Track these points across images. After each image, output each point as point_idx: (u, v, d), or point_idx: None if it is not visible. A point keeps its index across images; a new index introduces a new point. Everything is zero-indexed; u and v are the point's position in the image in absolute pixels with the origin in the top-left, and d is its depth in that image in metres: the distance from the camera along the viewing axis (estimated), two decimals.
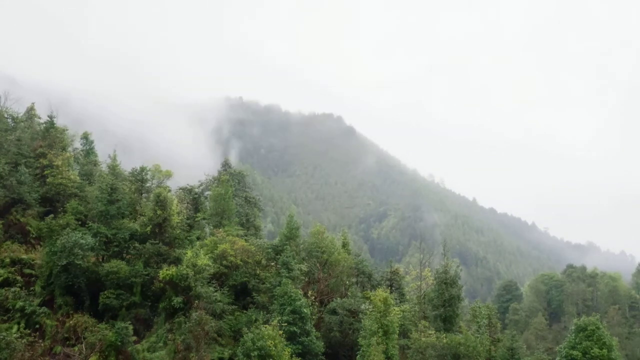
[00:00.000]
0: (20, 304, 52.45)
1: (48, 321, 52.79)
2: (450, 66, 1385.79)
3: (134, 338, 53.08)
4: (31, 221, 62.62)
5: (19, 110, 78.54)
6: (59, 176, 66.08)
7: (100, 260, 59.57)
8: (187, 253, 58.39)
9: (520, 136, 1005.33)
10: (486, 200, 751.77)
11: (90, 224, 61.12)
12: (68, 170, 68.45)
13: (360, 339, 54.48)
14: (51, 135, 70.86)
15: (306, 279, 69.37)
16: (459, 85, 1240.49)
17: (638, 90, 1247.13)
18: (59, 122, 73.79)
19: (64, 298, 54.98)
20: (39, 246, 60.74)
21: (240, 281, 63.99)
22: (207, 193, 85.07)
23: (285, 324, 53.75)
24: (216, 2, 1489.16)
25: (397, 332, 56.69)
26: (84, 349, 50.78)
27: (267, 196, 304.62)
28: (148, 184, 74.48)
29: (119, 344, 51.07)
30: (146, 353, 52.54)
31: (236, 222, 77.69)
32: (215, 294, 57.25)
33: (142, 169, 72.57)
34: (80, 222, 62.00)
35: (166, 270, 56.34)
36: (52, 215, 61.85)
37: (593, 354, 50.76)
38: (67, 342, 52.15)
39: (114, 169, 75.40)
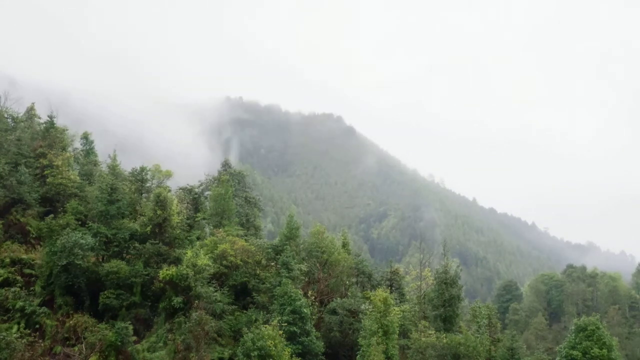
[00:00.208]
0: (20, 304, 52.44)
1: (48, 321, 52.78)
2: (450, 66, 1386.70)
3: (134, 338, 53.08)
4: (31, 221, 62.60)
5: (19, 110, 78.64)
6: (59, 176, 66.06)
7: (100, 260, 59.56)
8: (187, 253, 58.39)
9: (521, 136, 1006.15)
10: (486, 200, 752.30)
11: (90, 224, 61.11)
12: (68, 170, 68.43)
13: (360, 339, 54.49)
14: (51, 135, 70.84)
15: (306, 279, 69.37)
16: (459, 85, 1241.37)
17: (639, 89, 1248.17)
18: (59, 122, 73.82)
19: (64, 298, 54.97)
20: (39, 246, 60.72)
21: (240, 281, 64.00)
22: (207, 193, 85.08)
23: (285, 324, 53.76)
24: (216, 2, 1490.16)
25: (397, 332, 56.70)
26: (84, 349, 50.78)
27: (267, 196, 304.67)
28: (148, 184, 74.49)
29: (119, 344, 51.07)
30: (146, 353, 52.54)
31: (236, 222, 77.70)
32: (215, 294, 57.26)
33: (142, 169, 72.57)
34: (80, 222, 61.98)
35: (166, 270, 56.34)
36: (52, 215, 61.84)
37: (593, 354, 50.76)
38: (67, 342, 52.14)
39: (114, 169, 75.39)
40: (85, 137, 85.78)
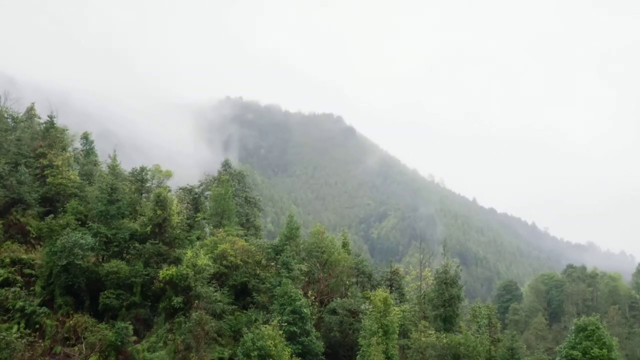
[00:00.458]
0: (20, 304, 52.42)
1: (48, 321, 52.77)
2: (450, 66, 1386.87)
3: (134, 338, 53.07)
4: (31, 221, 62.59)
5: (19, 110, 78.61)
6: (59, 176, 66.04)
7: (100, 260, 59.55)
8: (187, 253, 58.39)
9: (520, 136, 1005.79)
10: (486, 200, 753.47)
11: (90, 224, 61.09)
12: (68, 170, 68.40)
13: (360, 339, 54.50)
14: (51, 135, 70.81)
15: (306, 279, 69.39)
16: (459, 85, 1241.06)
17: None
18: (59, 122, 73.77)
19: (64, 298, 54.96)
20: (39, 246, 60.71)
21: (240, 281, 64.00)
22: (207, 193, 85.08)
23: (285, 324, 53.77)
24: (216, 3, 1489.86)
25: (397, 332, 56.71)
26: (84, 349, 50.78)
27: (267, 196, 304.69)
28: (148, 184, 74.47)
29: (119, 344, 51.06)
30: (146, 353, 52.53)
31: (236, 222, 77.71)
32: (215, 294, 57.26)
33: (142, 169, 72.55)
34: (80, 222, 61.95)
35: (166, 270, 56.34)
36: (52, 215, 61.82)
37: (593, 354, 50.78)
38: (67, 342, 52.12)
39: (114, 169, 75.38)
40: (85, 137, 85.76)
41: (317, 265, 72.57)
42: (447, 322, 65.90)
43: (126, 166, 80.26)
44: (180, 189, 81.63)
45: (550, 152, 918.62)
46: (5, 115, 74.85)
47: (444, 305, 66.63)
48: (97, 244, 57.72)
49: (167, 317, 56.21)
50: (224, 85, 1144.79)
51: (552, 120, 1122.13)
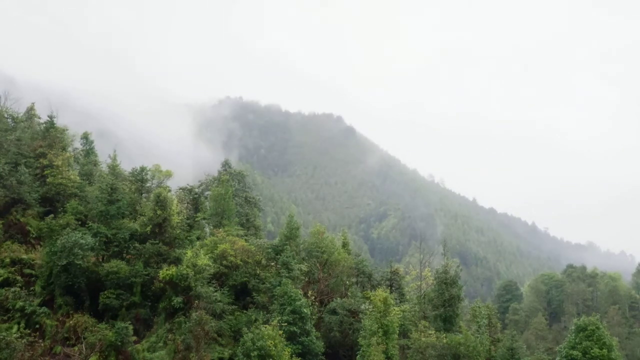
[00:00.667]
0: (20, 304, 52.42)
1: (48, 321, 52.76)
2: (450, 66, 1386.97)
3: (134, 338, 53.07)
4: (31, 221, 62.56)
5: (19, 110, 78.58)
6: (59, 176, 66.00)
7: (100, 260, 59.53)
8: (187, 253, 58.39)
9: (521, 136, 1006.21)
10: (486, 200, 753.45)
11: (90, 224, 61.08)
12: (68, 170, 68.36)
13: (360, 339, 54.51)
14: (51, 135, 70.78)
15: (306, 279, 69.40)
16: (459, 84, 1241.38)
17: None
18: (59, 122, 73.72)
19: (64, 298, 54.95)
20: (39, 246, 60.68)
21: (240, 281, 63.99)
22: (207, 193, 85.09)
23: (285, 324, 53.80)
24: (216, 2, 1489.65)
25: (397, 332, 56.74)
26: (84, 349, 50.77)
27: (267, 196, 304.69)
28: (148, 184, 74.43)
29: (119, 344, 51.05)
30: (146, 353, 52.54)
31: (236, 222, 77.71)
32: (215, 294, 57.25)
33: (142, 169, 72.52)
34: (80, 222, 61.92)
35: (166, 270, 56.34)
36: (52, 215, 61.81)
37: (593, 354, 50.81)
38: (67, 342, 52.12)
39: (114, 169, 75.37)
40: (85, 137, 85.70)
41: (317, 265, 72.57)
42: (447, 322, 65.89)
43: (126, 166, 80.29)
44: (180, 189, 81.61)
45: (550, 151, 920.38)
46: (5, 115, 74.82)
47: (444, 305, 66.63)
48: (97, 244, 57.71)
49: (167, 317, 56.20)
50: (224, 85, 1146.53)
51: (552, 120, 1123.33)
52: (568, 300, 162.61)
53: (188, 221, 70.77)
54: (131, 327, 52.38)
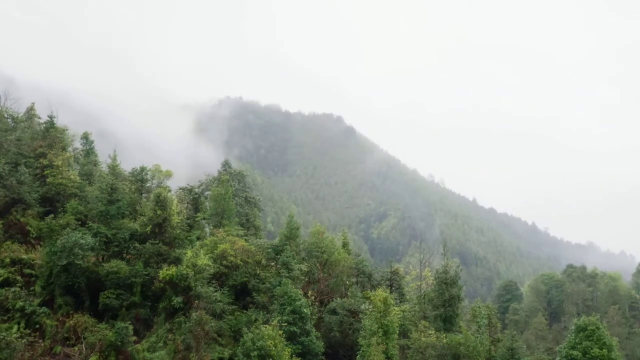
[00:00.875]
0: (20, 304, 52.43)
1: (48, 321, 52.77)
2: (450, 66, 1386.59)
3: (134, 338, 53.08)
4: (31, 221, 62.56)
5: (19, 110, 78.56)
6: (59, 176, 66.00)
7: (100, 260, 59.53)
8: (187, 253, 58.39)
9: (521, 135, 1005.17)
10: (486, 200, 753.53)
11: (90, 224, 61.08)
12: (68, 170, 68.37)
13: (360, 339, 54.51)
14: (51, 135, 70.79)
15: (306, 279, 69.40)
16: (459, 84, 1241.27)
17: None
18: (59, 122, 73.73)
19: (64, 298, 54.96)
20: (39, 246, 60.68)
21: (240, 281, 64.00)
22: (207, 193, 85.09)
23: (285, 324, 53.81)
24: (216, 2, 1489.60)
25: (397, 332, 56.74)
26: (84, 349, 50.78)
27: (267, 196, 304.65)
28: (148, 184, 74.44)
29: (119, 344, 51.05)
30: (146, 353, 52.54)
31: (236, 222, 77.71)
32: (215, 294, 57.26)
33: (142, 169, 72.51)
34: (80, 222, 61.93)
35: (166, 270, 56.34)
36: (52, 215, 61.81)
37: (593, 354, 50.82)
38: (67, 342, 52.12)
39: (114, 169, 75.36)
40: (85, 137, 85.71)
41: (317, 265, 72.58)
42: (447, 322, 65.89)
43: (126, 166, 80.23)
44: (180, 189, 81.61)
45: (551, 151, 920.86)
46: (5, 115, 74.82)
47: (444, 305, 66.62)
48: (97, 244, 57.71)
49: (167, 317, 56.21)
50: (224, 85, 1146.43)
51: (552, 120, 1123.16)
52: (568, 300, 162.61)
53: (188, 221, 70.77)
54: (131, 327, 52.39)
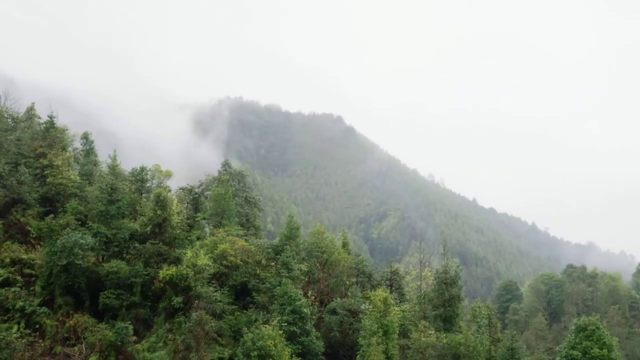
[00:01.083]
0: (20, 304, 52.40)
1: (48, 321, 52.75)
2: (450, 66, 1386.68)
3: (134, 338, 53.06)
4: (31, 221, 62.55)
5: (19, 110, 78.53)
6: (59, 176, 65.99)
7: (100, 260, 59.52)
8: (187, 253, 58.38)
9: (520, 135, 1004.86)
10: (486, 200, 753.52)
11: (90, 224, 61.08)
12: (68, 170, 68.35)
13: (360, 339, 54.51)
14: (51, 135, 70.78)
15: (306, 279, 69.41)
16: (459, 84, 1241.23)
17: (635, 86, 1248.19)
18: (59, 122, 73.73)
19: (64, 298, 54.94)
20: (39, 246, 60.66)
21: (240, 281, 64.00)
22: (207, 193, 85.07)
23: (285, 324, 53.81)
24: (216, 3, 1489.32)
25: (397, 332, 56.73)
26: (84, 349, 50.77)
27: (267, 196, 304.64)
28: (148, 184, 74.42)
29: (119, 344, 51.05)
30: (146, 353, 52.53)
31: (236, 222, 77.69)
32: (215, 294, 57.26)
33: (142, 169, 72.51)
34: (80, 222, 61.91)
35: (166, 270, 56.34)
36: (52, 215, 61.79)
37: (593, 354, 50.83)
38: (67, 342, 52.11)
39: (114, 169, 75.33)
40: (85, 137, 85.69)
41: (317, 265, 72.58)
42: (447, 322, 65.90)
43: (126, 166, 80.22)
44: (180, 189, 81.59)
45: (551, 151, 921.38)
46: (5, 115, 74.81)
47: (444, 305, 66.63)
48: (97, 244, 57.70)
49: (167, 317, 56.20)
50: (224, 85, 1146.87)
51: (552, 119, 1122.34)
52: (568, 300, 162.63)
53: (188, 221, 70.77)
54: (131, 327, 52.36)
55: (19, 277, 55.79)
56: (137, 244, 60.47)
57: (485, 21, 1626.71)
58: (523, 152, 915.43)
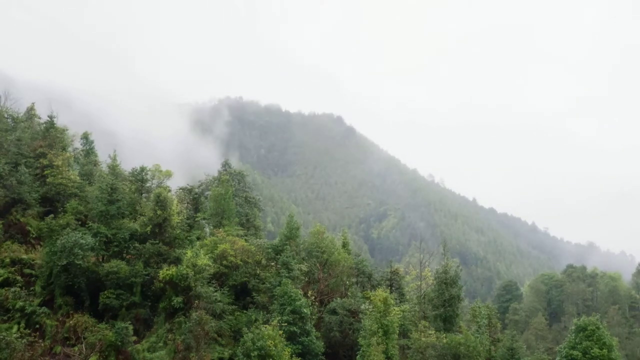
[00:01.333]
0: (20, 304, 52.44)
1: (48, 321, 52.78)
2: (450, 65, 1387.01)
3: (134, 338, 53.10)
4: (31, 221, 62.58)
5: (19, 110, 78.54)
6: (59, 176, 66.03)
7: (100, 260, 59.55)
8: (187, 253, 58.39)
9: (520, 135, 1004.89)
10: (486, 200, 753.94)
11: (90, 224, 61.10)
12: (68, 170, 68.40)
13: (360, 339, 54.52)
14: (51, 135, 70.82)
15: (306, 279, 69.41)
16: (459, 84, 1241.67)
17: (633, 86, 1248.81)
18: (59, 122, 73.75)
19: (64, 298, 54.97)
20: (39, 246, 60.70)
21: (240, 281, 64.01)
22: (207, 193, 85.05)
23: (285, 324, 53.84)
24: (215, 2, 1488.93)
25: (397, 332, 56.74)
26: (84, 349, 50.80)
27: (267, 196, 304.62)
28: (148, 184, 74.42)
29: (119, 344, 51.08)
30: (146, 353, 52.55)
31: (236, 222, 77.67)
32: (215, 294, 57.27)
33: (142, 169, 72.52)
34: (80, 222, 61.96)
35: (166, 270, 56.36)
36: (52, 215, 61.81)
37: (593, 354, 50.83)
38: (67, 342, 52.14)
39: (114, 169, 75.33)
40: (85, 137, 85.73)
41: (317, 265, 72.59)
42: (447, 322, 65.93)
43: (126, 166, 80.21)
44: (180, 189, 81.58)
45: (551, 151, 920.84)
46: (5, 115, 74.81)
47: (444, 305, 66.66)
48: (97, 244, 57.73)
49: (167, 317, 56.22)
50: (224, 85, 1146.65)
51: (552, 119, 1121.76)
52: (568, 300, 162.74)
53: (188, 221, 70.79)
54: (131, 327, 52.42)
55: (19, 277, 55.83)
56: (137, 244, 60.50)
57: (485, 21, 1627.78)
58: (523, 152, 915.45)
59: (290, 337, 53.91)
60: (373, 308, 56.39)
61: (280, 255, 66.29)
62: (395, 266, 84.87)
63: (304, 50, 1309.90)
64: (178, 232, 64.94)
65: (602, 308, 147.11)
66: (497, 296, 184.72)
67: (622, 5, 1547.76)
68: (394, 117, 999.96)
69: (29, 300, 53.54)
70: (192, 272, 55.79)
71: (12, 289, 53.37)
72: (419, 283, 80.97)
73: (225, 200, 75.76)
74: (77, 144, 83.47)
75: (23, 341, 47.72)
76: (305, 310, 56.90)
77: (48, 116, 73.01)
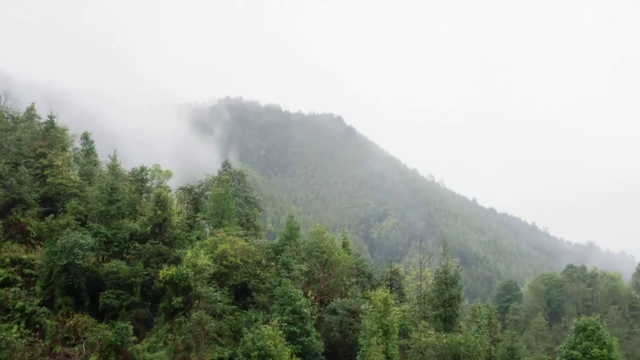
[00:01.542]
0: (20, 304, 52.45)
1: (48, 321, 52.78)
2: (450, 65, 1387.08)
3: (134, 338, 53.10)
4: (31, 221, 62.59)
5: (19, 110, 78.55)
6: (59, 176, 66.04)
7: (100, 260, 59.56)
8: (187, 253, 58.40)
9: (521, 135, 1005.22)
10: (486, 200, 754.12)
11: (90, 224, 61.11)
12: (68, 170, 68.41)
13: (360, 339, 54.53)
14: (51, 135, 70.83)
15: (306, 279, 69.41)
16: (459, 84, 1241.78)
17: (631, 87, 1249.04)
18: (59, 122, 73.75)
19: (64, 298, 54.98)
20: (39, 246, 60.71)
21: (240, 281, 64.02)
22: (207, 193, 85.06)
23: (285, 324, 53.85)
24: (215, 2, 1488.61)
25: (397, 332, 56.75)
26: (84, 349, 50.80)
27: (267, 196, 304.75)
28: (148, 184, 74.43)
29: (119, 344, 51.08)
30: (146, 353, 52.55)
31: (236, 222, 77.68)
32: (215, 294, 57.28)
33: (142, 169, 72.53)
34: (80, 222, 61.96)
35: (166, 270, 56.36)
36: (52, 215, 61.82)
37: (593, 354, 50.85)
38: (67, 342, 52.14)
39: (114, 169, 75.35)
40: (85, 137, 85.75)
41: (317, 265, 72.59)
42: (447, 322, 65.94)
43: (126, 166, 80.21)
44: (180, 189, 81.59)
45: (551, 151, 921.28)
46: (5, 115, 74.83)
47: (444, 305, 66.66)
48: (97, 244, 57.73)
49: (167, 317, 56.22)
50: (224, 85, 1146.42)
51: (553, 119, 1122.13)
52: (568, 300, 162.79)
53: (188, 221, 70.80)
54: (131, 327, 52.42)
55: (19, 277, 55.84)
56: (137, 244, 60.51)
57: (486, 21, 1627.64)
58: (523, 152, 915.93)
59: (290, 337, 53.92)
60: (373, 308, 56.40)
61: (280, 255, 66.30)
62: (395, 266, 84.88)
63: (304, 50, 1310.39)
64: (178, 232, 64.95)
65: (602, 308, 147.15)
66: (497, 296, 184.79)
67: (622, 5, 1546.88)
68: (394, 117, 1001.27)
69: (29, 300, 53.54)
70: (192, 272, 55.80)
71: (12, 289, 53.38)
72: (419, 283, 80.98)
73: (225, 200, 75.77)
74: (77, 144, 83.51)
75: (23, 341, 47.72)
76: (305, 310, 56.91)
77: (48, 116, 73.02)
